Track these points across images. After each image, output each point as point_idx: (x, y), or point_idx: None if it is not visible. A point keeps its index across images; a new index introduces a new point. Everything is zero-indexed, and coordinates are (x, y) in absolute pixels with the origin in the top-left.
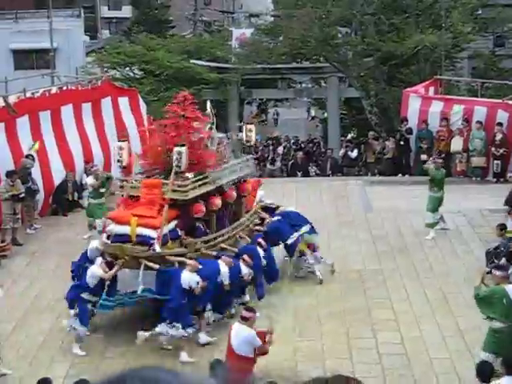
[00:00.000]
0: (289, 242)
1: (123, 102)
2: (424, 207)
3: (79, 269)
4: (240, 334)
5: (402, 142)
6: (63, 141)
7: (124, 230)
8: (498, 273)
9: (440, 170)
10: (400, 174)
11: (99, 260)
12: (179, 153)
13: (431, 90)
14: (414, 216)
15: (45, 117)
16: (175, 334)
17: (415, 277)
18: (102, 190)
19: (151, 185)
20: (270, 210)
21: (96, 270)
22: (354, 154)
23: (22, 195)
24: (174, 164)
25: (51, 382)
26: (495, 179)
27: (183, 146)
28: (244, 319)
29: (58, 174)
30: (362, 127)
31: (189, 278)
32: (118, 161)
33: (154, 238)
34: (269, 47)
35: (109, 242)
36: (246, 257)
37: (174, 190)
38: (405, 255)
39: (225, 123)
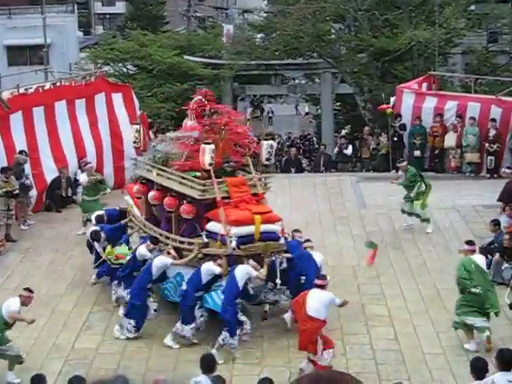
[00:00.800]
0: None
1: (117, 97)
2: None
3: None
4: (322, 298)
5: (395, 138)
6: (56, 137)
7: (248, 230)
8: (466, 246)
9: (409, 169)
10: (394, 170)
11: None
12: (271, 146)
13: (424, 85)
14: None
15: (38, 113)
16: None
17: (409, 273)
18: (101, 191)
19: (239, 183)
20: None
21: (251, 271)
22: (349, 151)
23: (16, 191)
24: (263, 157)
25: (45, 378)
26: (489, 175)
27: (273, 139)
28: (320, 286)
29: (50, 170)
30: (355, 123)
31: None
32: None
33: (278, 232)
34: (261, 43)
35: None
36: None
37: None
38: (399, 251)
39: None
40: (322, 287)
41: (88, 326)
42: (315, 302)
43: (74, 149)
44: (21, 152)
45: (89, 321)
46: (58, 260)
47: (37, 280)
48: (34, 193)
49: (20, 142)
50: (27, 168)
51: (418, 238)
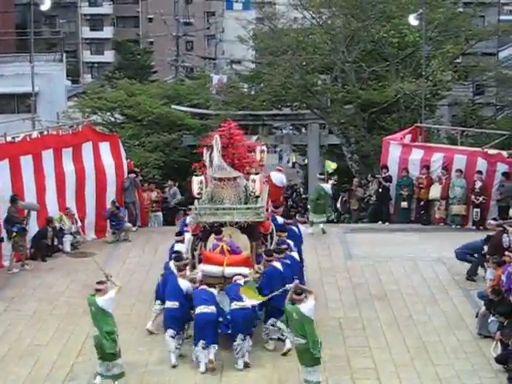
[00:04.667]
0: None
1: (104, 147)
2: (405, 255)
3: None
4: None
5: (380, 190)
6: (43, 186)
7: None
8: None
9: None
10: (380, 222)
11: None
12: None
13: (409, 137)
14: (394, 264)
15: (26, 161)
16: None
17: (395, 325)
18: None
19: None
20: None
21: None
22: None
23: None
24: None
25: None
26: (475, 227)
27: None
28: None
29: (35, 219)
30: (342, 174)
31: None
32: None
33: None
34: (249, 93)
35: None
36: None
37: None
38: (384, 303)
39: None
40: None
41: (72, 377)
42: None
43: (58, 198)
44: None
45: (73, 372)
46: (42, 309)
47: (21, 329)
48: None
49: (6, 191)
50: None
51: (404, 290)
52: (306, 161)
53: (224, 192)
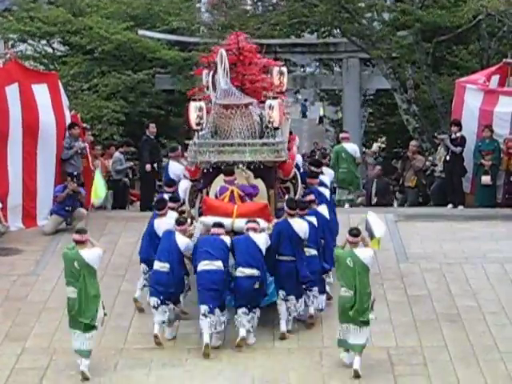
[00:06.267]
0: None
1: (38, 91)
2: (488, 254)
3: None
4: None
5: (449, 158)
6: None
7: None
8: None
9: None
10: (449, 205)
11: None
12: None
13: (495, 79)
14: (471, 268)
15: None
16: None
17: (472, 359)
18: None
19: None
20: None
21: None
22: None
23: None
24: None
25: None
26: None
27: None
28: None
29: None
30: (394, 134)
31: None
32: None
33: None
34: (255, 13)
35: None
36: None
37: None
38: (457, 327)
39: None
40: None
41: None
42: None
43: None
44: None
45: None
46: None
47: None
48: None
49: None
50: None
51: (486, 307)
52: (340, 114)
53: (232, 123)
